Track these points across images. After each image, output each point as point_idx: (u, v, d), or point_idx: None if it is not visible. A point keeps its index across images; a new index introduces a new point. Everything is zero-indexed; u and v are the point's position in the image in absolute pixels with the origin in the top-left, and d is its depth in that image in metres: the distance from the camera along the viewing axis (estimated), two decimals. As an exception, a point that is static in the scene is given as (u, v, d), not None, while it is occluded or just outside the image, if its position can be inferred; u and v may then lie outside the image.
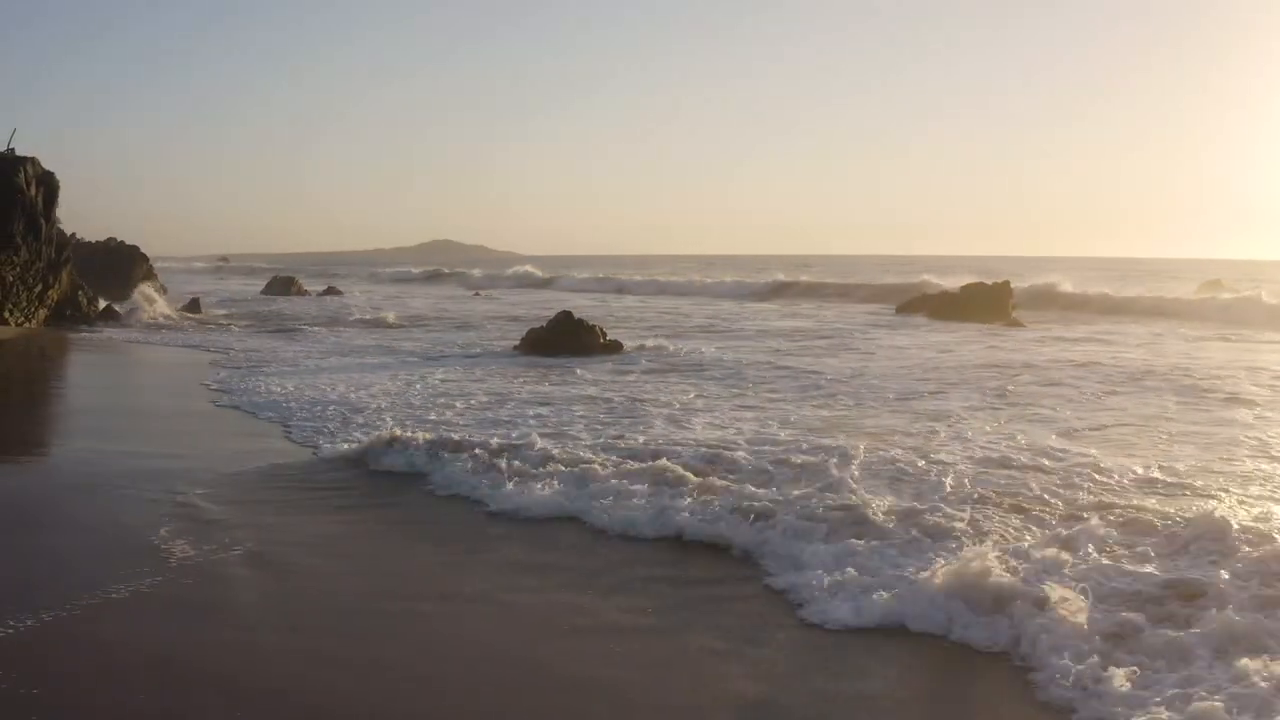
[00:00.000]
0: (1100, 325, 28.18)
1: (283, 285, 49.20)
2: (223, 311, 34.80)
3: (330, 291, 46.30)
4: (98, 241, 46.21)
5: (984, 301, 30.99)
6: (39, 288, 24.84)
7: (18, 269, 24.10)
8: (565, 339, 18.97)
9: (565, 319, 19.39)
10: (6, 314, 23.36)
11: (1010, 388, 14.70)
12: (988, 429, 11.20)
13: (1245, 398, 13.75)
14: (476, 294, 52.54)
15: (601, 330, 19.28)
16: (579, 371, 16.31)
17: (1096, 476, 8.75)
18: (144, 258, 46.12)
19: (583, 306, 31.23)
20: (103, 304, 31.59)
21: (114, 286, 43.30)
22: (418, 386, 15.15)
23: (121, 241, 47.72)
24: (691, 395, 14.05)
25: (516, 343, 19.78)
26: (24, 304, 24.14)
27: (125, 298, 43.04)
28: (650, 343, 20.33)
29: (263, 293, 49.02)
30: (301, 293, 47.91)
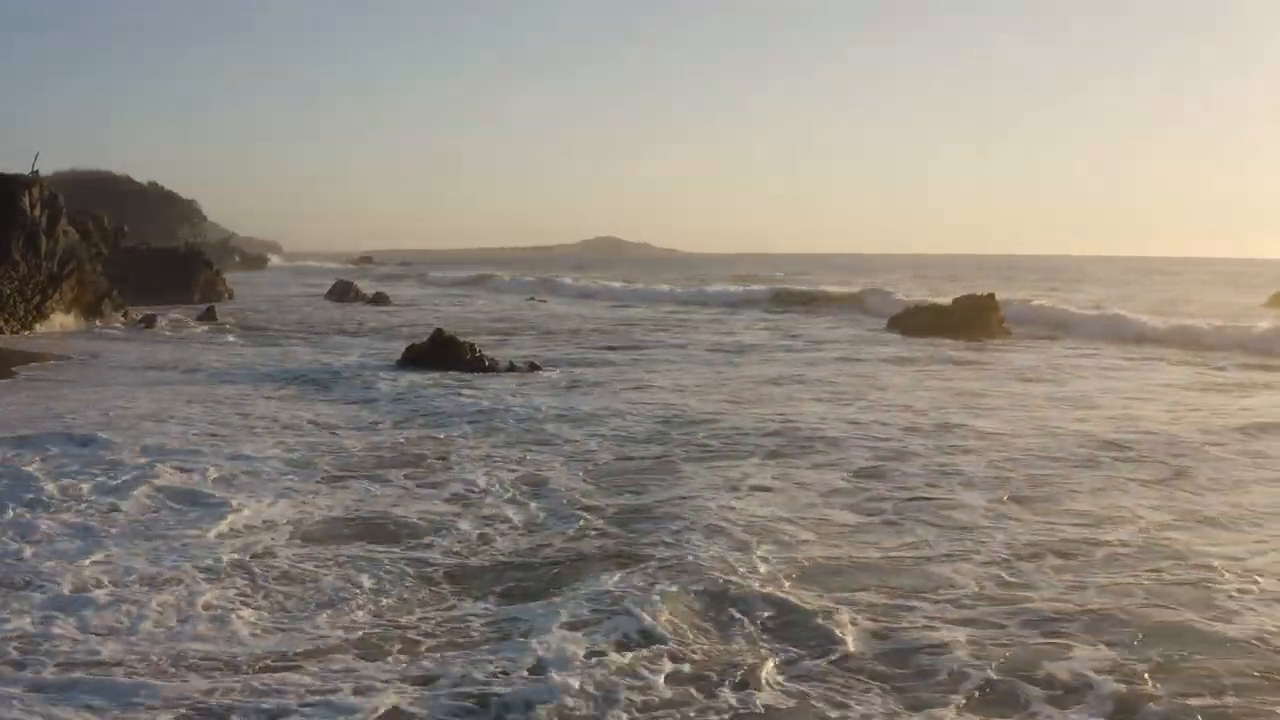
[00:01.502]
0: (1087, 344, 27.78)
1: (342, 291, 52.75)
2: (238, 318, 37.98)
3: (378, 299, 49.40)
4: (165, 248, 50.93)
5: (967, 316, 31.44)
6: (36, 299, 28.35)
7: (15, 283, 27.67)
8: (441, 355, 20.87)
9: (438, 335, 21.32)
10: (1, 323, 26.84)
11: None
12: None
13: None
14: (531, 299, 55.09)
15: (470, 347, 21.02)
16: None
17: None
18: (208, 264, 50.47)
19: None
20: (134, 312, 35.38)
21: (177, 290, 47.86)
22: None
23: (191, 247, 52.38)
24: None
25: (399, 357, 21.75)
26: (20, 314, 27.65)
27: (187, 301, 47.49)
28: (527, 362, 22.14)
29: (326, 297, 52.65)
30: (358, 297, 51.25)
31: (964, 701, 5.77)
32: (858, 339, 29.22)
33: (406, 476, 11.24)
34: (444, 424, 14.54)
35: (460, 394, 17.33)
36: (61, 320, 29.72)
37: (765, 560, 8.09)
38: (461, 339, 21.36)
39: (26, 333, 27.51)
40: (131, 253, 49.58)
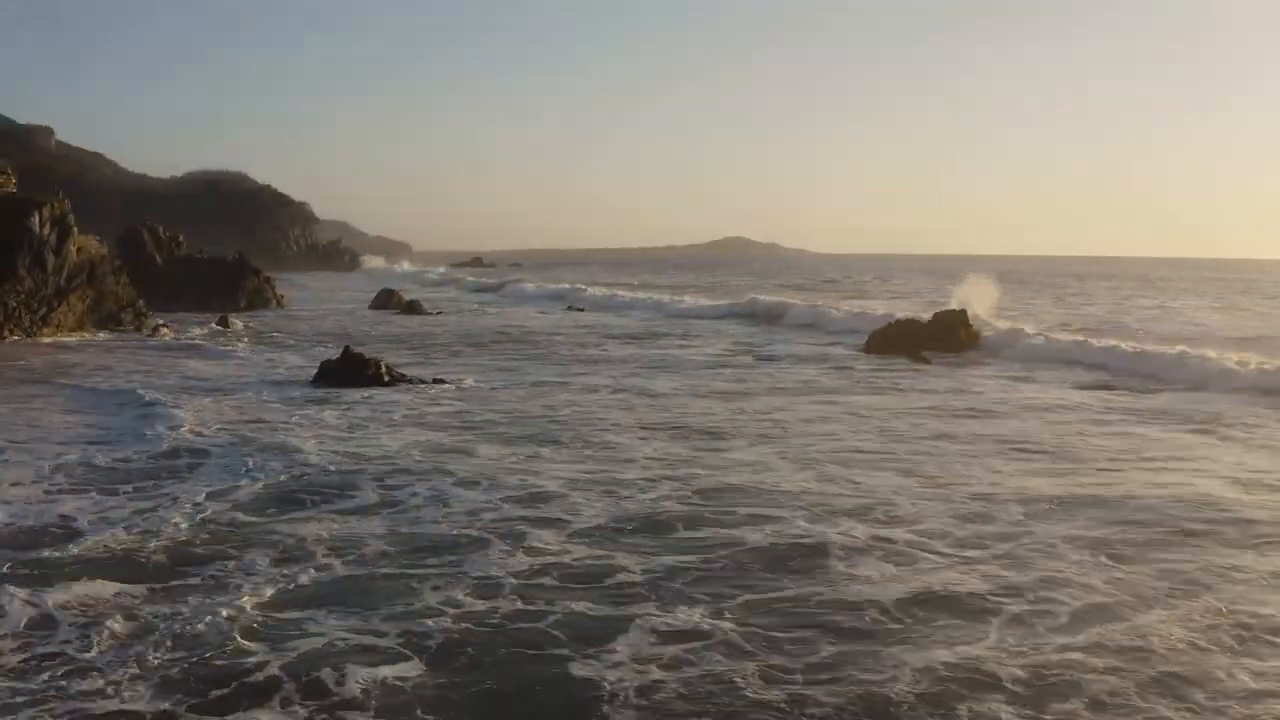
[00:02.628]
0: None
1: (384, 299, 55.54)
2: (257, 324, 40.88)
3: (411, 308, 51.94)
4: (215, 257, 54.58)
5: (937, 334, 32.13)
6: (43, 311, 31.55)
7: (22, 296, 30.91)
8: (350, 371, 22.86)
9: (347, 353, 23.32)
10: (6, 332, 30.05)
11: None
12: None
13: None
14: (569, 308, 56.97)
15: (375, 364, 22.95)
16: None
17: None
18: (254, 272, 53.87)
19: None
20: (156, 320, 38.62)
21: (224, 296, 51.34)
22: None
23: (240, 255, 55.93)
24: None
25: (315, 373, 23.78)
26: (25, 324, 30.86)
27: (234, 307, 50.91)
28: (451, 378, 23.92)
29: (370, 307, 55.49)
30: (396, 305, 53.92)
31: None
32: (821, 358, 29.95)
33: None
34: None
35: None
36: (70, 329, 32.81)
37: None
38: (369, 356, 23.25)
39: (29, 340, 30.61)
40: (186, 261, 53.43)
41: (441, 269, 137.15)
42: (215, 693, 7.16)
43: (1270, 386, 21.70)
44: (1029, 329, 32.74)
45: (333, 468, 14.07)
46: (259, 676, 7.41)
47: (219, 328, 38.25)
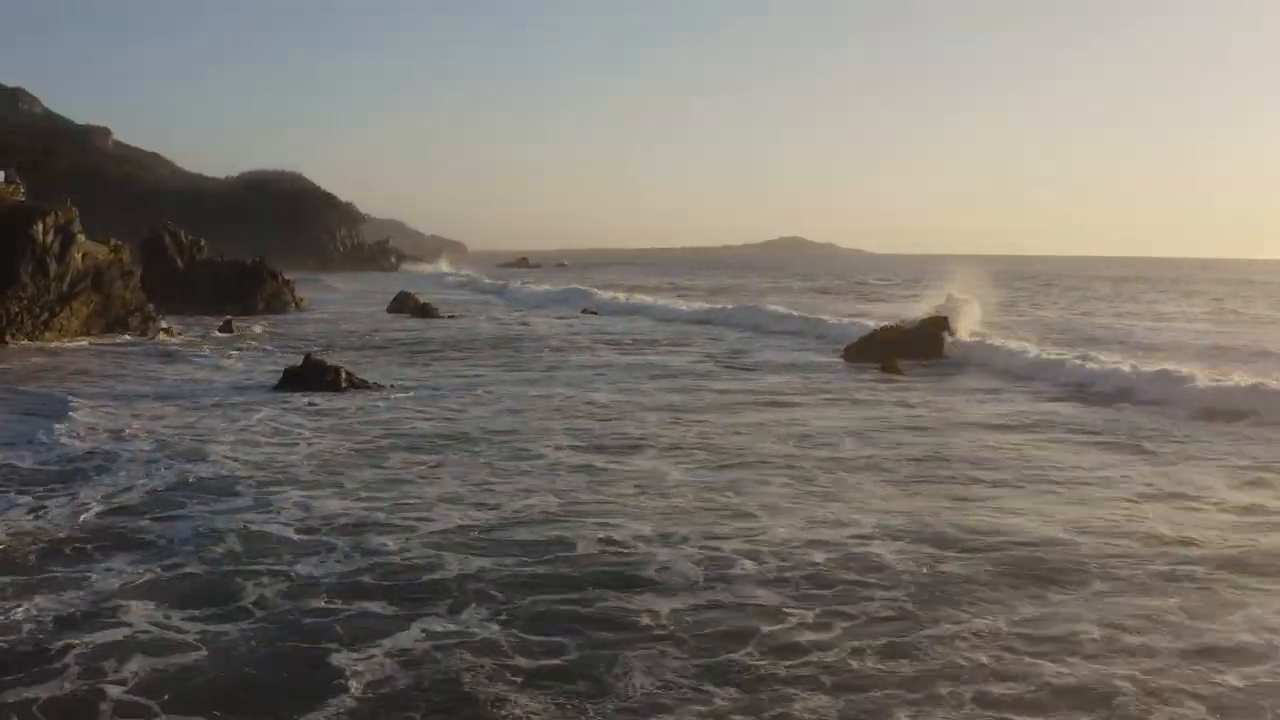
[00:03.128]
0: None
1: (400, 303, 56.88)
2: (265, 327, 42.30)
3: (424, 312, 53.20)
4: (234, 261, 56.28)
5: (916, 342, 32.59)
6: (45, 316, 33.16)
7: (25, 301, 32.54)
8: (314, 378, 23.99)
9: (308, 360, 24.46)
10: (9, 336, 31.67)
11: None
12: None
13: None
14: (584, 310, 57.89)
15: (335, 370, 24.05)
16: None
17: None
18: (272, 275, 55.51)
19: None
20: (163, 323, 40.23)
21: (242, 300, 53.06)
22: None
23: (260, 259, 57.55)
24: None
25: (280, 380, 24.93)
26: (28, 328, 32.47)
27: (252, 310, 52.62)
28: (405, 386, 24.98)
29: (387, 310, 56.82)
30: (411, 309, 55.20)
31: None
32: (794, 367, 30.51)
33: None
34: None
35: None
36: (74, 333, 34.39)
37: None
38: (330, 364, 24.37)
39: (30, 343, 32.19)
40: (207, 265, 55.26)
41: (466, 272, 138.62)
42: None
43: (1214, 406, 21.54)
44: (998, 340, 32.81)
45: (224, 473, 15.08)
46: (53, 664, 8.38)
47: (222, 333, 39.64)
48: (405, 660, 8.54)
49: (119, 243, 50.14)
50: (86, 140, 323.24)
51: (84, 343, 33.68)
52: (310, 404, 21.84)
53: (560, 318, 52.89)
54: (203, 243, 56.45)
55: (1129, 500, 14.03)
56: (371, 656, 8.60)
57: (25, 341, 32.29)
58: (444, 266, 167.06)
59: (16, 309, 31.98)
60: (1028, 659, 8.60)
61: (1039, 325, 43.17)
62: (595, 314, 56.17)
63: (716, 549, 11.60)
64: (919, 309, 37.48)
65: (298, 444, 17.70)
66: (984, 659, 8.59)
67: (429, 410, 21.48)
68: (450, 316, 52.40)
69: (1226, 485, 14.90)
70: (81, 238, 35.05)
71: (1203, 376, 23.82)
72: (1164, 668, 8.43)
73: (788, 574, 10.73)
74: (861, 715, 7.63)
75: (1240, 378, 23.43)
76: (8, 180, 35.98)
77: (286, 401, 22.21)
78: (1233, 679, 8.24)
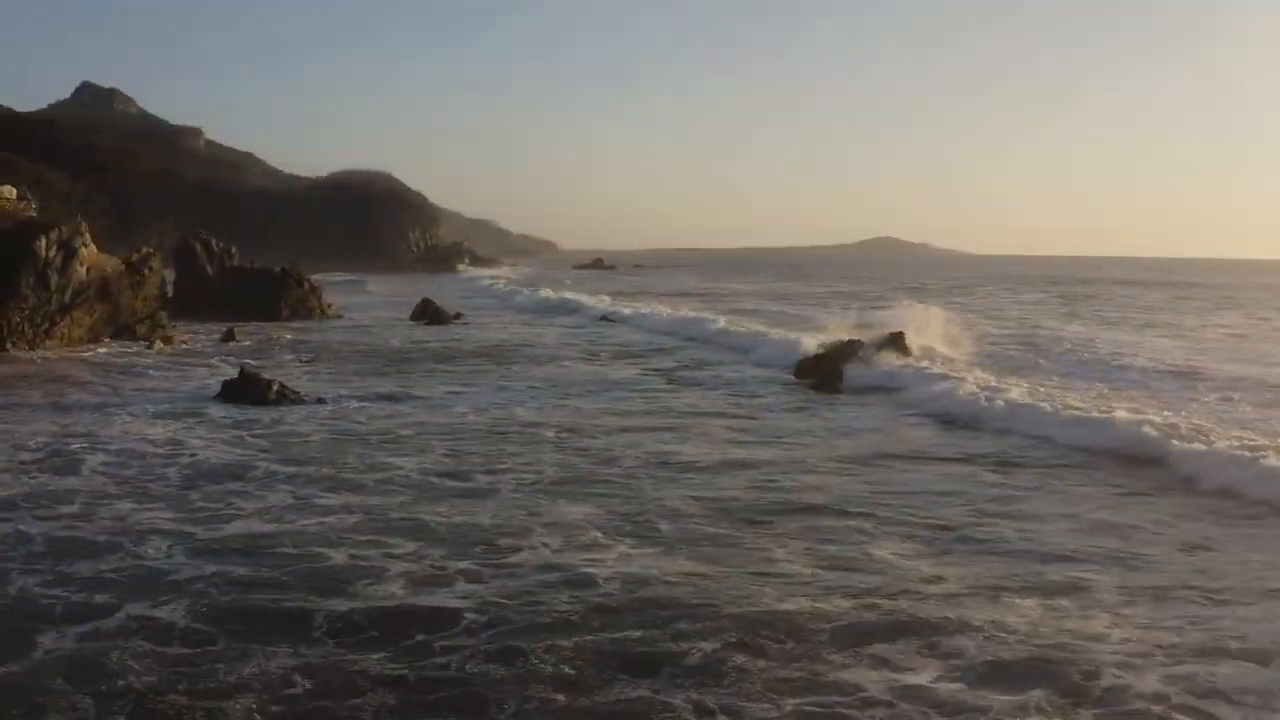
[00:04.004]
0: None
1: (420, 310, 59.23)
2: (271, 336, 44.82)
3: (436, 319, 55.51)
4: (262, 268, 59.18)
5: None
6: (45, 325, 36.06)
7: (26, 312, 35.48)
8: (249, 390, 26.14)
9: (243, 372, 26.60)
10: (9, 346, 34.59)
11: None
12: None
13: None
14: (602, 319, 59.57)
15: (268, 383, 26.14)
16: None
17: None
18: (297, 282, 58.26)
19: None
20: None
21: (267, 307, 55.89)
22: None
23: (287, 267, 60.34)
24: None
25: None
26: (29, 336, 35.40)
27: (275, 317, 55.39)
28: (340, 395, 27.03)
29: (410, 317, 59.13)
30: (430, 317, 57.44)
31: None
32: (739, 382, 31.81)
33: None
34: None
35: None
36: (76, 341, 37.27)
37: None
38: (265, 376, 26.48)
39: (29, 351, 35.07)
40: (236, 271, 58.36)
41: (522, 272, 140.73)
42: None
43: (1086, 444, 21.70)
44: (940, 361, 33.52)
45: (77, 486, 17.17)
46: None
47: (225, 341, 42.25)
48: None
49: (150, 250, 53.47)
50: (178, 141, 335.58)
51: (86, 352, 36.49)
52: (225, 416, 23.93)
53: (575, 327, 54.74)
54: (233, 250, 59.57)
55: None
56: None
57: (26, 349, 35.12)
58: (495, 270, 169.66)
59: (17, 319, 34.89)
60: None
61: (1016, 342, 43.32)
62: (613, 323, 57.81)
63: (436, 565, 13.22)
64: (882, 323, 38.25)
65: (181, 455, 19.73)
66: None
67: (336, 424, 23.33)
68: (464, 324, 54.66)
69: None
70: (86, 251, 37.87)
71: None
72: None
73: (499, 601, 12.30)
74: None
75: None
76: (19, 196, 39.15)
77: (211, 414, 24.33)
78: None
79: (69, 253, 37.09)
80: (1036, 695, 9.39)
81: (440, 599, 11.83)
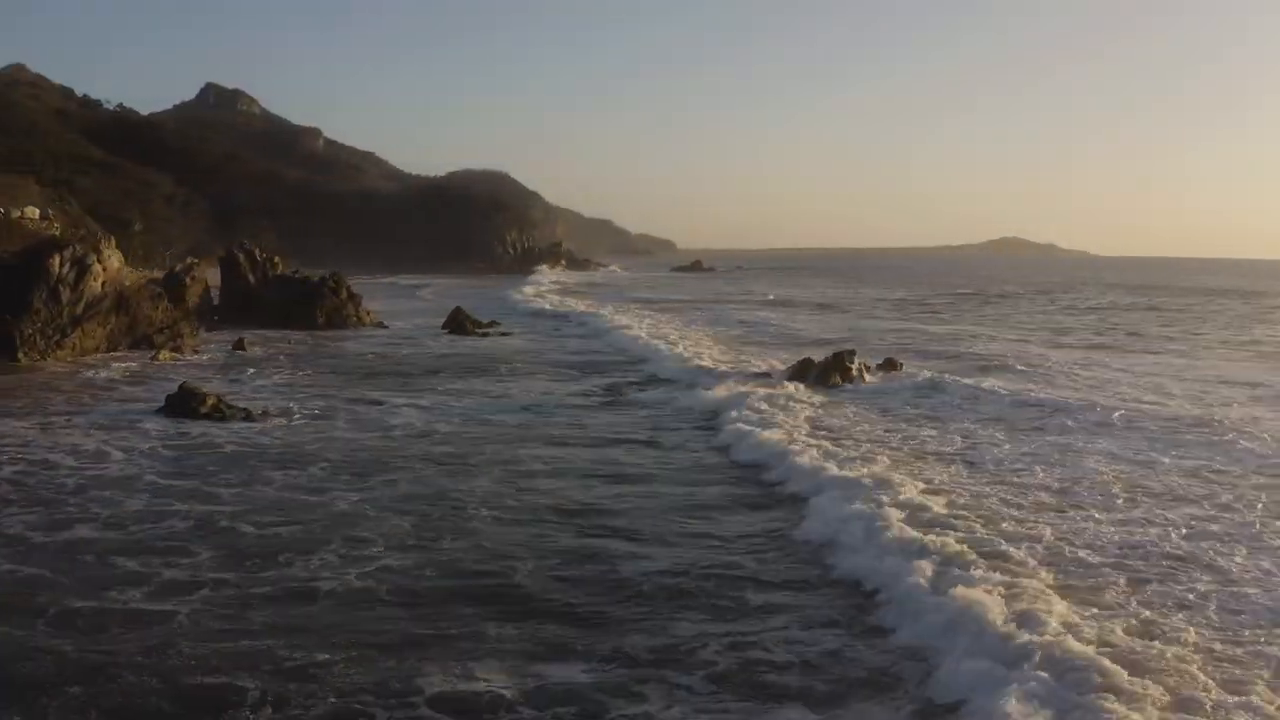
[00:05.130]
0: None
1: (450, 320, 61.96)
2: (279, 349, 48.12)
3: (458, 329, 58.19)
4: (300, 278, 62.82)
5: (824, 372, 34.94)
6: (56, 337, 39.85)
7: (39, 325, 39.34)
8: (188, 404, 29.03)
9: (183, 388, 29.47)
10: (21, 355, 38.44)
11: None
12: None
13: None
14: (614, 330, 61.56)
15: (204, 398, 28.99)
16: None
17: None
18: (333, 291, 61.71)
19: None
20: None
21: (303, 315, 59.45)
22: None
23: (328, 277, 63.86)
24: None
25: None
26: (40, 347, 39.22)
27: (311, 326, 58.89)
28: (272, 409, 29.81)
29: (442, 327, 61.57)
30: (457, 324, 59.97)
31: None
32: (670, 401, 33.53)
33: None
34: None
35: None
36: (90, 350, 41.01)
37: None
38: (203, 392, 29.32)
39: (40, 360, 38.87)
40: (278, 280, 62.18)
41: (562, 279, 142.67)
42: None
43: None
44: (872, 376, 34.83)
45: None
46: None
47: (236, 350, 45.61)
48: None
49: (194, 260, 57.64)
50: (297, 141, 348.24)
51: (91, 361, 40.19)
52: (157, 430, 26.79)
53: (582, 338, 56.89)
54: (276, 259, 63.44)
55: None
56: None
57: (38, 358, 38.96)
58: (578, 273, 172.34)
59: (29, 330, 38.75)
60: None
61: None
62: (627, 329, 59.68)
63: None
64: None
65: (88, 468, 22.56)
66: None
67: (253, 439, 25.98)
68: (483, 334, 57.32)
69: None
70: (99, 266, 41.58)
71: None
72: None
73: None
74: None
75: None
76: (41, 216, 43.23)
77: (145, 427, 27.26)
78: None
79: (82, 269, 40.86)
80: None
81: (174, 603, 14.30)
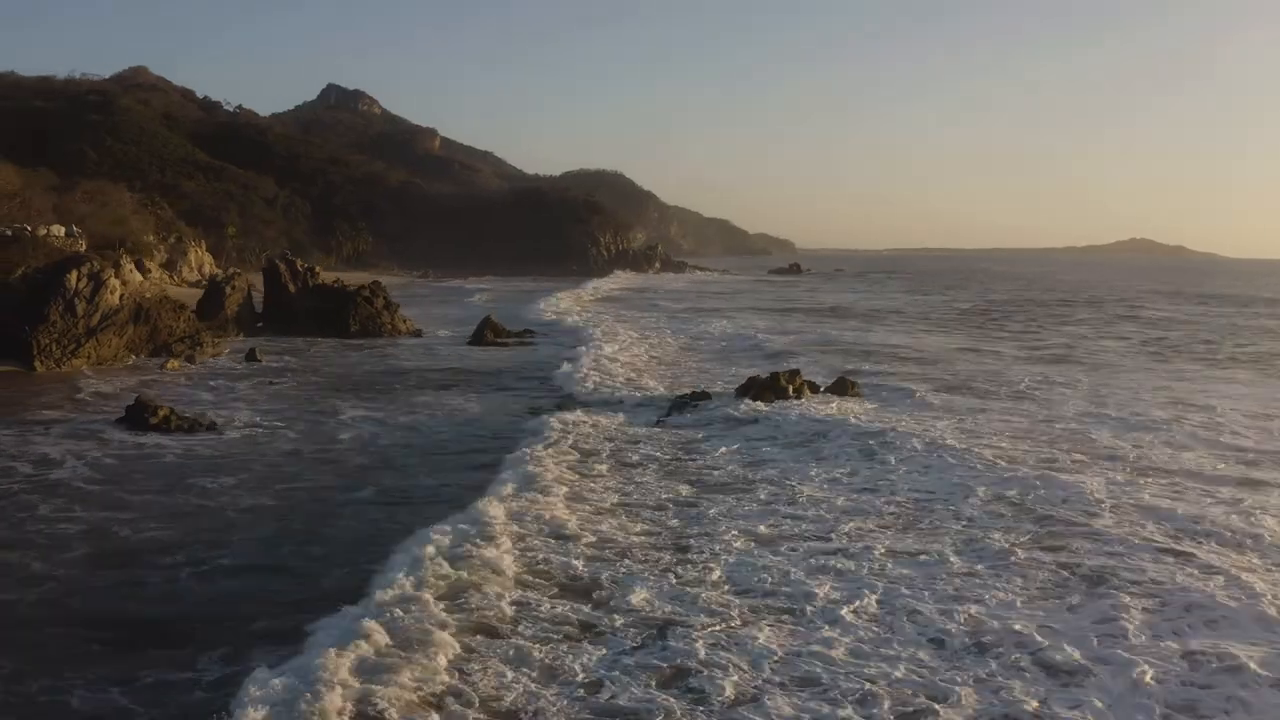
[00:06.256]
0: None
1: (478, 330, 64.85)
2: (281, 360, 51.63)
3: (478, 339, 61.01)
4: (331, 287, 66.52)
5: (767, 390, 36.61)
6: (72, 346, 43.95)
7: (55, 335, 43.48)
8: (142, 415, 32.37)
9: (137, 401, 32.79)
10: (38, 364, 42.62)
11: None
12: None
13: None
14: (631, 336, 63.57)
15: (155, 409, 32.26)
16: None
17: None
18: (367, 300, 65.28)
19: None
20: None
21: (336, 324, 63.17)
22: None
23: (362, 286, 67.46)
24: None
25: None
26: (56, 355, 43.36)
27: (344, 334, 62.54)
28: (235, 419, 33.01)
29: (469, 342, 63.92)
30: (477, 335, 62.64)
31: None
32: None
33: None
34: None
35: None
36: (105, 359, 45.08)
37: None
38: (155, 404, 32.61)
39: (54, 366, 42.98)
40: (316, 290, 66.07)
41: (622, 283, 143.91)
42: None
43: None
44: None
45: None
46: None
47: (250, 361, 49.24)
48: None
49: (237, 271, 61.93)
50: (413, 141, 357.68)
51: (103, 369, 44.23)
52: (116, 440, 30.20)
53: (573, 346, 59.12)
54: (316, 269, 67.43)
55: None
56: None
57: (54, 366, 43.10)
58: (621, 279, 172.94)
59: (46, 341, 42.88)
60: None
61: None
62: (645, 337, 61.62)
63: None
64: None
65: (33, 475, 25.90)
66: None
67: (196, 450, 29.17)
68: (502, 345, 60.05)
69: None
70: (115, 280, 45.61)
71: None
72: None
73: None
74: None
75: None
76: (67, 234, 47.49)
77: (105, 435, 30.65)
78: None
79: (98, 284, 44.93)
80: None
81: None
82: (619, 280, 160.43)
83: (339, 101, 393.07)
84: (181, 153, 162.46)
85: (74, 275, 44.28)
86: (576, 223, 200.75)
